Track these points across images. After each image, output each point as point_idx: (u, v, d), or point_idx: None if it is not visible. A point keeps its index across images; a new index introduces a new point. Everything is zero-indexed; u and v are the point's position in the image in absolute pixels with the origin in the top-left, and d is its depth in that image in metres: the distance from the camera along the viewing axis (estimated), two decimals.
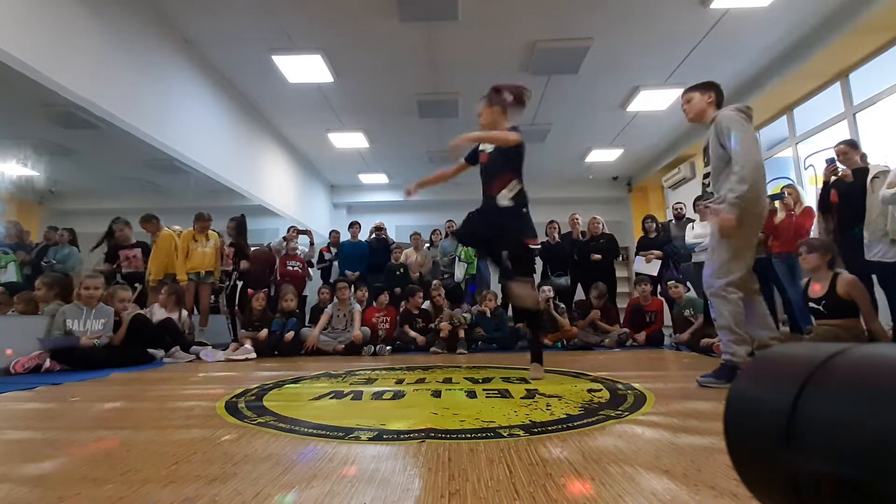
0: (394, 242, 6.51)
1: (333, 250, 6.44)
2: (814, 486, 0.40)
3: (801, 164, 5.72)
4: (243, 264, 5.05)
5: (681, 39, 4.84)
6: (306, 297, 5.81)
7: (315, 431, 1.39)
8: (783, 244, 4.05)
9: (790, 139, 5.84)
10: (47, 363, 3.14)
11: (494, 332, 4.73)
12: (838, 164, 3.70)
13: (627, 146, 7.86)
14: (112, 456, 1.18)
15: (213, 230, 5.02)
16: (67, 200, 5.75)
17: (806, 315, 3.41)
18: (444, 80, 5.57)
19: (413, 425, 1.45)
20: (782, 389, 0.45)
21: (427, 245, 6.31)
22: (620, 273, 6.94)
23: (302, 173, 8.17)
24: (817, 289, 2.92)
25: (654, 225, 5.79)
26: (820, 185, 4.26)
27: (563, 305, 4.96)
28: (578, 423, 1.45)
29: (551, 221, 5.87)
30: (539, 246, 2.78)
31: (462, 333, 4.49)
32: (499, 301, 5.06)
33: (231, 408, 1.79)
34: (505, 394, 2.00)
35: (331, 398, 1.98)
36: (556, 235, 5.79)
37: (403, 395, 2.01)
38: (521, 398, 1.89)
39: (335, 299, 4.63)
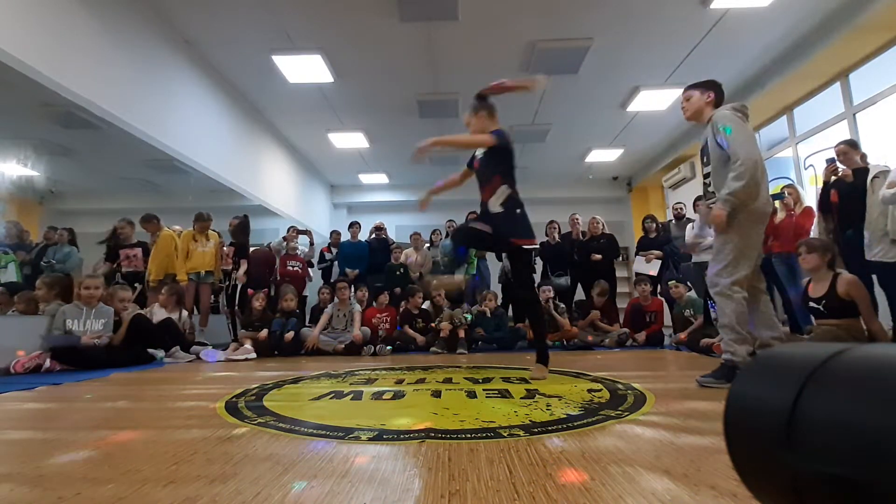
0: (394, 242, 6.52)
1: (334, 250, 6.44)
2: (814, 485, 0.40)
3: (801, 164, 5.72)
4: (241, 277, 4.99)
5: (681, 39, 4.84)
6: (306, 297, 5.81)
7: (315, 431, 1.39)
8: (783, 244, 4.05)
9: (790, 139, 5.84)
10: (47, 363, 3.15)
11: (494, 332, 4.74)
12: (838, 164, 3.70)
13: (627, 146, 7.86)
14: (112, 456, 1.18)
15: (213, 230, 5.02)
16: (67, 200, 5.76)
17: (806, 315, 3.41)
18: (444, 80, 5.57)
19: (413, 425, 1.45)
20: (782, 389, 0.45)
21: (427, 245, 6.31)
22: (620, 273, 6.93)
23: (302, 173, 8.17)
24: (818, 289, 2.92)
25: (654, 225, 5.79)
26: (820, 185, 4.26)
27: (563, 305, 4.97)
28: (578, 423, 1.45)
29: (551, 221, 5.87)
30: (537, 246, 2.79)
31: (462, 333, 4.50)
32: (499, 301, 5.06)
33: (231, 408, 1.79)
34: (505, 394, 2.00)
35: (331, 398, 1.98)
36: (556, 235, 5.79)
37: (403, 396, 2.01)
38: (521, 398, 1.88)
39: (335, 299, 4.63)
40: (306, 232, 6.29)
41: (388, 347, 4.36)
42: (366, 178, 9.32)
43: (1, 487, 0.96)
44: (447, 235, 6.19)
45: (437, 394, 2.03)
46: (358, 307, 4.61)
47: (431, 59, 5.13)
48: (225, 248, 5.09)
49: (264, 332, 4.28)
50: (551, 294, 4.91)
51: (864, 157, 3.72)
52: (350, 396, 2.01)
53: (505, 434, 1.32)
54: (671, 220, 5.87)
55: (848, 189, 3.56)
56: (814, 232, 4.00)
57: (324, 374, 2.85)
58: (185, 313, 4.46)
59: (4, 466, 1.11)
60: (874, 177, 3.35)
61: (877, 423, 0.36)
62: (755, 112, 5.27)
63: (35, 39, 3.15)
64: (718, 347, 2.89)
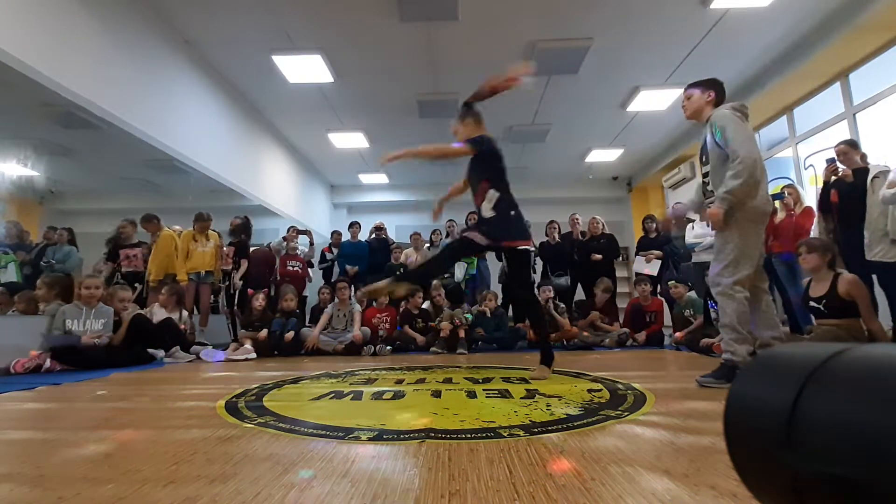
0: (394, 242, 6.52)
1: (335, 250, 6.44)
2: (814, 485, 0.40)
3: (801, 164, 5.72)
4: (237, 283, 4.99)
5: (681, 39, 4.84)
6: (306, 297, 5.81)
7: (315, 431, 1.39)
8: (783, 244, 4.05)
9: (790, 139, 5.84)
10: (47, 363, 3.15)
11: (494, 332, 4.73)
12: (838, 164, 3.70)
13: (627, 146, 7.86)
14: (112, 456, 1.18)
15: (213, 230, 5.02)
16: (67, 200, 5.75)
17: (806, 315, 3.41)
18: (444, 80, 5.57)
19: (413, 425, 1.45)
20: (782, 389, 0.45)
21: (427, 245, 6.31)
22: (620, 273, 6.93)
23: (302, 173, 8.17)
24: (818, 289, 2.92)
25: (654, 225, 5.79)
26: (820, 185, 4.26)
27: (563, 305, 4.97)
28: (578, 423, 1.45)
29: (551, 221, 5.87)
30: (533, 248, 2.80)
31: (462, 333, 4.50)
32: (499, 301, 5.06)
33: (231, 408, 1.79)
34: (505, 394, 2.00)
35: (331, 398, 1.98)
36: (556, 235, 5.80)
37: (403, 396, 2.01)
38: (521, 398, 1.88)
39: (335, 299, 4.63)
40: (306, 232, 6.29)
41: (388, 347, 4.36)
42: (366, 178, 9.32)
43: (1, 487, 0.96)
44: (447, 235, 6.20)
45: (437, 394, 2.03)
46: (358, 307, 4.61)
47: (431, 59, 5.13)
48: (225, 249, 5.09)
49: (264, 332, 4.28)
50: (551, 294, 4.91)
51: (864, 157, 3.72)
52: (350, 396, 2.01)
53: (505, 434, 1.32)
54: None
55: (848, 189, 3.56)
56: (814, 232, 4.00)
57: (324, 374, 2.85)
58: (185, 313, 4.47)
59: (4, 466, 1.11)
60: (874, 177, 3.36)
61: (877, 423, 0.36)
62: (755, 112, 5.26)
63: (35, 39, 3.15)
64: (718, 347, 2.89)
